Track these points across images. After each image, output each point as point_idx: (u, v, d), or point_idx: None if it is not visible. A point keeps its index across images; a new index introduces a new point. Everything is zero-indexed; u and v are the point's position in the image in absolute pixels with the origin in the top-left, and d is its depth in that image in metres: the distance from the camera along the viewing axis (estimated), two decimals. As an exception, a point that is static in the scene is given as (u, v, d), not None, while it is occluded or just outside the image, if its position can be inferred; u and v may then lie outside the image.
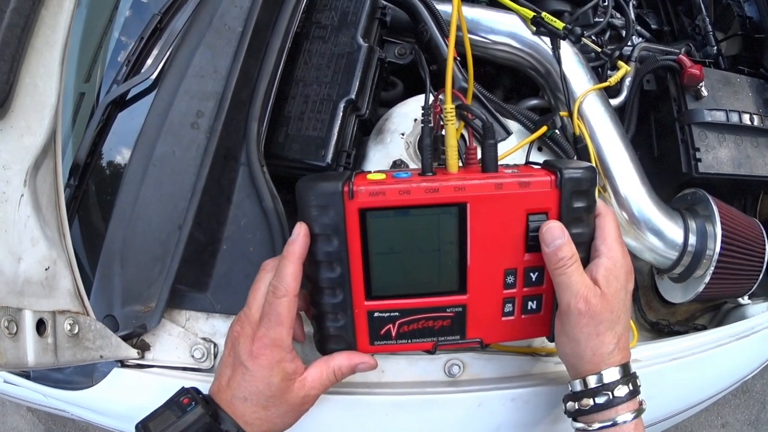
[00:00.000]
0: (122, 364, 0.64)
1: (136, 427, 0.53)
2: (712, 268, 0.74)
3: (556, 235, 0.52)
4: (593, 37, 0.86)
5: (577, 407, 0.55)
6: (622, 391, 0.53)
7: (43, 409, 1.00)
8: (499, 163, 0.54)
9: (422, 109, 0.54)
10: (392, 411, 0.63)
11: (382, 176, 0.52)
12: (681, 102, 0.82)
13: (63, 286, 0.57)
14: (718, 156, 0.81)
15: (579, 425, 0.55)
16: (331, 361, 0.55)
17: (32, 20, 0.55)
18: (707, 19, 0.94)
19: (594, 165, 0.72)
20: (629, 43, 0.87)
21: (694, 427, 1.66)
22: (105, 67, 0.78)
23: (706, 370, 0.75)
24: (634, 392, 0.54)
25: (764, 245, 0.78)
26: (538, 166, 0.55)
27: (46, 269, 0.56)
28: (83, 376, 0.67)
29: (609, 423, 0.53)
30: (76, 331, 0.55)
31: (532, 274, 0.55)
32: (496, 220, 0.52)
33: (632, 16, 0.89)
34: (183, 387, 0.56)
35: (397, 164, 0.68)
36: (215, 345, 0.63)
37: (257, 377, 0.52)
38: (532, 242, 0.53)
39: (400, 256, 0.53)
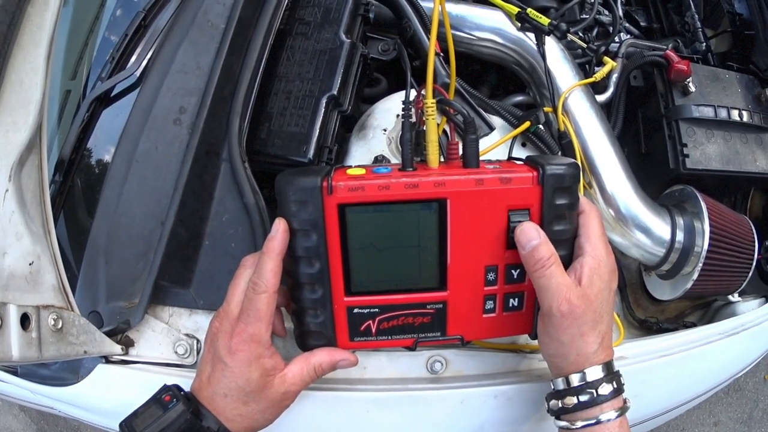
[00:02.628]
0: (106, 360, 0.64)
1: (120, 425, 0.53)
2: (701, 265, 0.73)
3: (531, 236, 0.51)
4: (580, 34, 0.86)
5: (560, 405, 0.54)
6: (605, 389, 0.53)
7: (32, 407, 1.00)
8: (481, 158, 0.54)
9: (402, 104, 0.54)
10: (374, 408, 0.63)
11: (362, 171, 0.52)
12: (668, 98, 0.82)
13: (47, 280, 0.58)
14: (706, 152, 0.80)
15: (562, 424, 0.55)
16: (312, 357, 0.55)
17: (18, 17, 0.55)
18: (696, 16, 0.94)
19: (578, 161, 0.71)
20: (616, 40, 0.87)
21: (687, 426, 1.66)
22: (91, 65, 0.78)
23: (695, 368, 0.74)
24: (618, 390, 0.54)
25: (753, 242, 0.78)
26: (521, 162, 0.55)
27: (30, 264, 0.56)
28: (69, 372, 0.67)
29: (592, 421, 0.53)
30: (59, 326, 0.55)
31: (513, 271, 0.55)
32: (476, 217, 0.52)
33: (620, 12, 0.88)
34: (165, 384, 0.56)
35: (379, 160, 0.68)
36: (198, 341, 0.63)
37: (236, 373, 0.52)
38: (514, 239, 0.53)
39: (379, 252, 0.53)
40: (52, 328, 0.54)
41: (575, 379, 0.53)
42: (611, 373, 0.54)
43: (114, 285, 0.63)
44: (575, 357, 0.53)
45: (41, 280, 0.57)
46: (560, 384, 0.55)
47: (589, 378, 0.53)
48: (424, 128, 0.54)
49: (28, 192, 0.58)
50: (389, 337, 0.57)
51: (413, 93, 0.58)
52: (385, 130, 0.69)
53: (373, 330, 0.56)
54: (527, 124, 0.69)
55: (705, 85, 0.83)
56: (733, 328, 0.78)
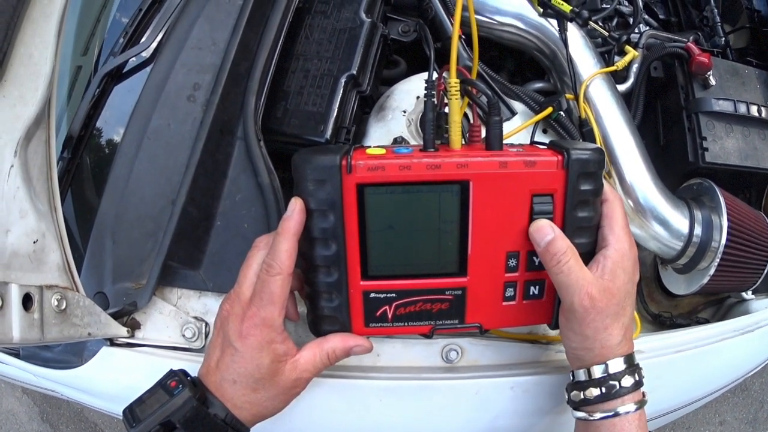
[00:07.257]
0: (112, 342, 0.62)
1: (124, 412, 0.51)
2: (717, 260, 0.72)
3: (545, 232, 0.51)
4: (600, 23, 0.84)
5: (582, 396, 0.53)
6: (627, 381, 0.52)
7: (34, 390, 0.98)
8: (504, 142, 0.53)
9: (425, 83, 0.53)
10: (387, 396, 0.61)
11: (382, 151, 0.50)
12: (688, 90, 0.81)
13: (52, 260, 0.56)
14: (725, 146, 0.79)
15: (580, 414, 0.54)
16: (325, 343, 0.54)
17: (28, -11, 0.54)
18: (715, 11, 0.92)
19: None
20: (636, 31, 0.86)
21: (692, 424, 1.65)
22: (103, 41, 0.76)
23: (710, 364, 0.73)
24: (639, 383, 0.53)
25: (770, 239, 0.77)
26: (544, 146, 0.54)
27: (34, 242, 0.55)
28: (73, 354, 0.65)
29: (611, 413, 0.52)
30: (63, 306, 0.53)
31: (535, 258, 0.53)
32: (499, 200, 0.50)
33: (640, 3, 0.87)
34: (171, 369, 0.54)
35: (398, 141, 0.66)
36: (207, 324, 0.62)
37: (246, 358, 0.50)
38: None
39: (398, 235, 0.51)
40: (56, 309, 0.52)
41: (597, 371, 0.52)
42: (632, 365, 0.53)
43: (121, 265, 0.61)
44: (600, 350, 0.52)
45: (45, 260, 0.55)
46: (581, 375, 0.54)
47: (612, 370, 0.52)
48: (446, 110, 0.53)
49: (34, 168, 0.57)
50: (406, 324, 0.55)
51: (435, 74, 0.57)
52: (404, 112, 0.68)
53: (390, 316, 0.54)
54: (550, 109, 0.68)
55: (725, 79, 0.82)
56: (748, 325, 0.77)
